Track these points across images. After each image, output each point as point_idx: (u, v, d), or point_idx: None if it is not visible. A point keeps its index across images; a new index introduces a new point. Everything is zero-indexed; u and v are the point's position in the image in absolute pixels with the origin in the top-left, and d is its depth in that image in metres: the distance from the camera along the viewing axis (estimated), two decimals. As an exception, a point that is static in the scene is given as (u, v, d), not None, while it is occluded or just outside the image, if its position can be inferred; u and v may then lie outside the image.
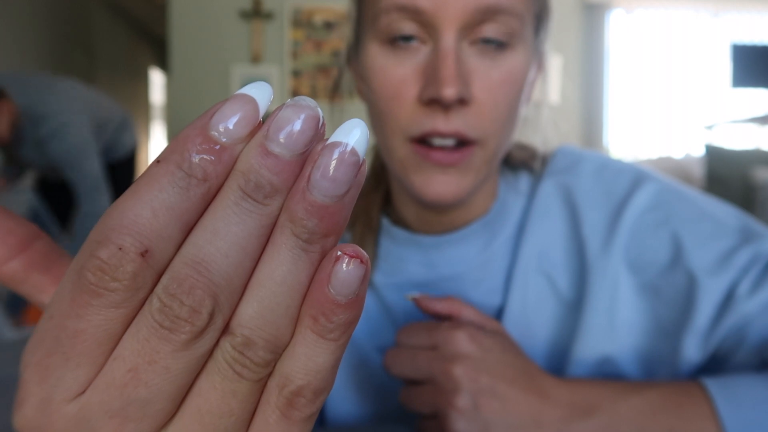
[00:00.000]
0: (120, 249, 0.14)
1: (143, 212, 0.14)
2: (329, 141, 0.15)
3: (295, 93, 3.13)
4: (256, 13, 3.10)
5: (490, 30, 0.40)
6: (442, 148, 0.41)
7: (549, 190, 0.49)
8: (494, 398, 0.37)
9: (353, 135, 0.15)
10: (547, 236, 0.48)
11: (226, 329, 0.15)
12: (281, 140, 0.14)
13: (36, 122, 1.64)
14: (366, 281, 0.15)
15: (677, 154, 3.08)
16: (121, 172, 2.03)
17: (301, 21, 3.13)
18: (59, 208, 1.90)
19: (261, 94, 0.15)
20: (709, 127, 3.05)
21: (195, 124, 0.15)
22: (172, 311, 0.14)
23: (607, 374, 0.45)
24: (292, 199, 0.15)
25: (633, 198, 0.46)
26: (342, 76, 0.52)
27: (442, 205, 0.43)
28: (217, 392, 0.15)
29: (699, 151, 2.80)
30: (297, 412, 0.16)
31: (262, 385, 0.16)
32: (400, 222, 0.51)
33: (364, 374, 0.50)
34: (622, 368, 0.45)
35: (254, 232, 0.15)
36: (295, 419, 0.16)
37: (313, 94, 3.14)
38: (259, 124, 0.15)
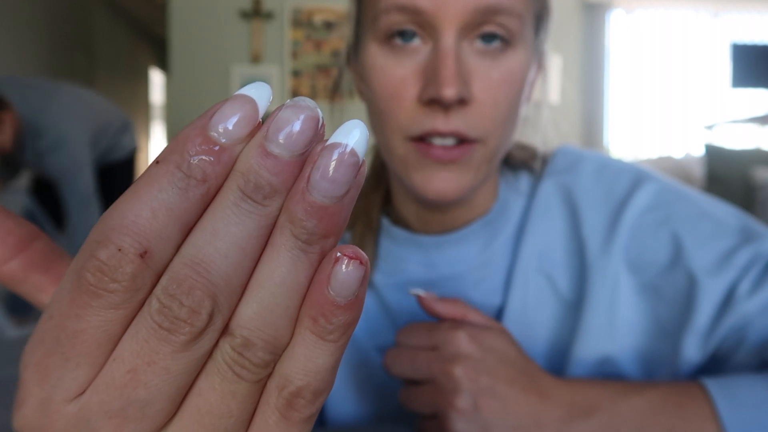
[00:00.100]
0: (119, 250, 0.14)
1: (143, 213, 0.14)
2: (329, 142, 0.15)
3: (295, 93, 3.13)
4: (256, 13, 3.10)
5: (490, 30, 0.40)
6: (442, 146, 0.41)
7: (549, 190, 0.49)
8: (494, 398, 0.37)
9: (353, 136, 0.15)
10: (548, 236, 0.48)
11: (225, 330, 0.15)
12: (281, 141, 0.14)
13: (36, 134, 1.66)
14: (365, 282, 0.15)
15: (677, 154, 3.08)
16: (120, 174, 2.03)
17: (301, 21, 3.13)
18: (54, 208, 1.90)
19: (260, 94, 0.15)
20: (709, 127, 3.06)
21: (194, 124, 0.15)
22: (171, 312, 0.14)
23: (607, 374, 0.45)
24: (292, 199, 0.15)
25: (633, 198, 0.46)
26: (342, 76, 0.52)
27: (442, 202, 0.43)
28: (216, 393, 0.15)
29: (699, 151, 2.80)
30: (296, 413, 0.16)
31: (261, 386, 0.16)
32: (400, 222, 0.51)
33: (364, 374, 0.50)
34: (622, 368, 0.45)
35: (254, 232, 0.15)
36: (295, 420, 0.16)
37: (313, 94, 3.14)
38: (259, 125, 0.15)
